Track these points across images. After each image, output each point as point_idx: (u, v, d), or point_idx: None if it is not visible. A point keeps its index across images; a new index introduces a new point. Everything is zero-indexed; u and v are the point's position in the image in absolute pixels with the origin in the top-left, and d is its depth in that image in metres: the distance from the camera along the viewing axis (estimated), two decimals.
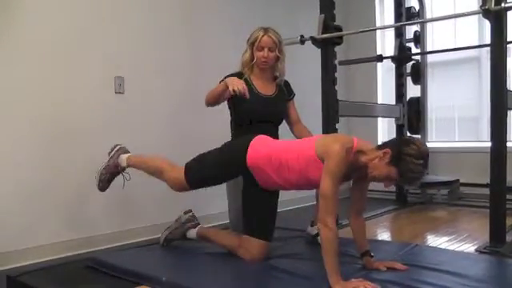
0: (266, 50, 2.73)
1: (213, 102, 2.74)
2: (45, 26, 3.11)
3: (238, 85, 2.52)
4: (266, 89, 2.82)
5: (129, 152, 2.79)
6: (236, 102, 2.73)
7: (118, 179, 2.76)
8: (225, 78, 2.73)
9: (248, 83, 2.73)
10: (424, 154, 2.07)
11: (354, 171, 2.22)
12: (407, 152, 2.05)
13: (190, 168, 2.52)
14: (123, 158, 2.74)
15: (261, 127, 2.67)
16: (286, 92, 2.92)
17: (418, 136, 5.00)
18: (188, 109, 3.91)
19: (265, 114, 2.77)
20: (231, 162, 2.46)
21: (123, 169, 2.75)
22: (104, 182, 2.75)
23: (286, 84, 2.94)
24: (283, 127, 2.94)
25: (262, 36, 2.74)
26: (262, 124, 2.73)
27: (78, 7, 3.28)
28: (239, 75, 2.76)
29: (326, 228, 2.04)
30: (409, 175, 2.07)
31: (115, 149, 2.79)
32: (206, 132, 3.80)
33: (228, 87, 2.55)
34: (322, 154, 2.17)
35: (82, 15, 3.30)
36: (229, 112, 2.87)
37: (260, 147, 2.40)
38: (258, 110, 2.74)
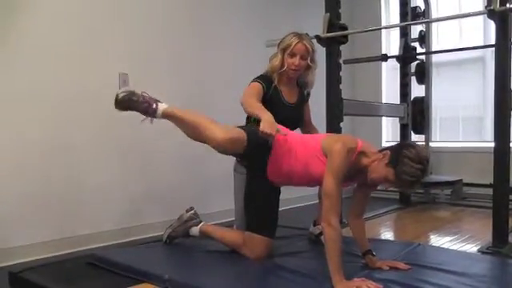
0: (297, 57, 2.66)
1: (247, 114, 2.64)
2: (48, 25, 3.10)
3: (269, 130, 2.25)
4: (290, 97, 2.80)
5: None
6: (266, 107, 2.55)
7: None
8: (254, 80, 2.68)
9: (276, 91, 2.72)
10: (423, 159, 2.07)
11: (357, 173, 2.23)
12: (405, 154, 2.06)
13: (249, 129, 2.40)
14: (163, 105, 2.46)
15: None
16: (305, 96, 2.90)
17: (422, 136, 5.00)
18: (195, 107, 3.90)
19: (287, 122, 2.71)
20: None
21: (154, 111, 2.41)
22: (126, 99, 2.44)
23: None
24: None
25: (297, 43, 2.66)
26: None
27: (84, 5, 3.28)
28: (268, 79, 2.71)
29: (329, 227, 2.05)
30: (404, 177, 2.06)
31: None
32: None
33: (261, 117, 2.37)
34: (326, 152, 2.22)
35: (89, 13, 3.30)
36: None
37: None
38: (282, 118, 2.60)
